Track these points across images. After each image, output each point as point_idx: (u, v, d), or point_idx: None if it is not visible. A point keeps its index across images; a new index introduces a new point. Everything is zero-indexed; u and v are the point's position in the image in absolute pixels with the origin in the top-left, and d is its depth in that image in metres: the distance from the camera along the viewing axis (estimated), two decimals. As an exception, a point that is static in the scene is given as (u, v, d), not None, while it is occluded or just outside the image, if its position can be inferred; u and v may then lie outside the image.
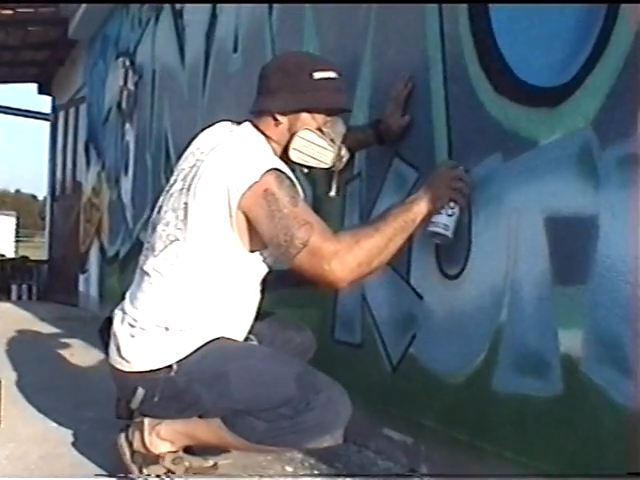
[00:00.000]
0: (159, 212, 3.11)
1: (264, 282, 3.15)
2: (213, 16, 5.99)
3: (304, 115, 3.06)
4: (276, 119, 3.06)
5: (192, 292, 2.95)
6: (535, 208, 2.66)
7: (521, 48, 2.79)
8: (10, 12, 10.45)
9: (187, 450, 3.16)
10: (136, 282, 3.13)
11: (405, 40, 3.49)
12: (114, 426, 3.16)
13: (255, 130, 3.09)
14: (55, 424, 3.97)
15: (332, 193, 3.39)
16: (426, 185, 2.96)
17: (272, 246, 2.89)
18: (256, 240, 2.93)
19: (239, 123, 3.15)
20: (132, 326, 2.99)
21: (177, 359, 2.90)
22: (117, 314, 3.09)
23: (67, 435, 3.78)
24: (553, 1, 2.63)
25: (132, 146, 8.56)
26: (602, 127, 2.40)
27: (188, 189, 2.97)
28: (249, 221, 2.87)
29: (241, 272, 3.00)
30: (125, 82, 8.79)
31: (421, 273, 3.32)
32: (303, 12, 4.40)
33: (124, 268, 8.37)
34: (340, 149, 3.17)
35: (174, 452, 3.06)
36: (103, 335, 3.15)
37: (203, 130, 3.25)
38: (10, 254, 23.02)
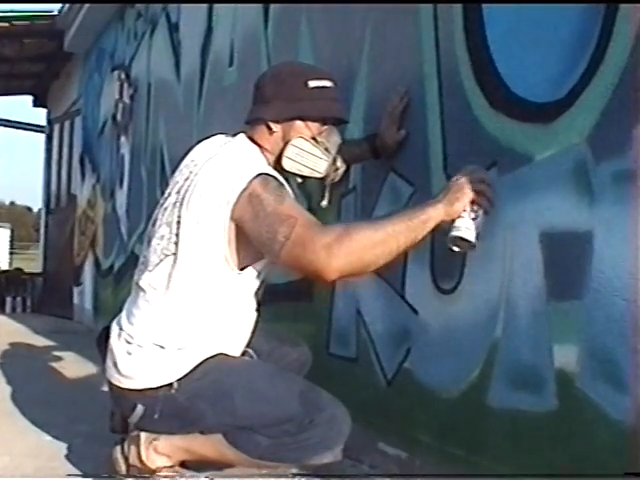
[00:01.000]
0: (154, 225, 3.11)
1: (262, 295, 3.15)
2: (209, 29, 6.00)
3: (298, 123, 3.05)
4: (270, 128, 3.04)
5: (187, 309, 2.94)
6: (530, 223, 2.66)
7: (516, 63, 2.79)
8: (6, 25, 10.46)
9: (183, 465, 3.17)
10: (132, 297, 3.12)
11: (401, 55, 3.50)
12: (108, 440, 3.16)
13: (248, 141, 3.07)
14: (49, 437, 3.96)
15: (324, 202, 3.37)
16: (445, 189, 2.79)
17: (260, 248, 2.86)
18: (249, 252, 2.92)
19: (234, 135, 3.14)
20: (129, 343, 2.99)
21: (177, 377, 2.90)
22: (114, 329, 3.09)
23: (61, 449, 3.76)
24: (552, 1, 2.64)
25: (127, 159, 8.57)
26: (597, 143, 2.41)
27: (182, 203, 2.97)
28: (240, 231, 2.86)
29: (236, 286, 2.99)
30: (120, 95, 8.79)
31: (416, 287, 3.32)
32: (299, 26, 4.41)
33: (118, 281, 8.37)
34: (335, 159, 3.16)
35: (170, 467, 3.06)
36: (101, 346, 3.15)
37: (199, 142, 3.24)
38: (4, 266, 23.04)
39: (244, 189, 2.80)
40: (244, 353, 3.17)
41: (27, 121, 16.18)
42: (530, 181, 2.68)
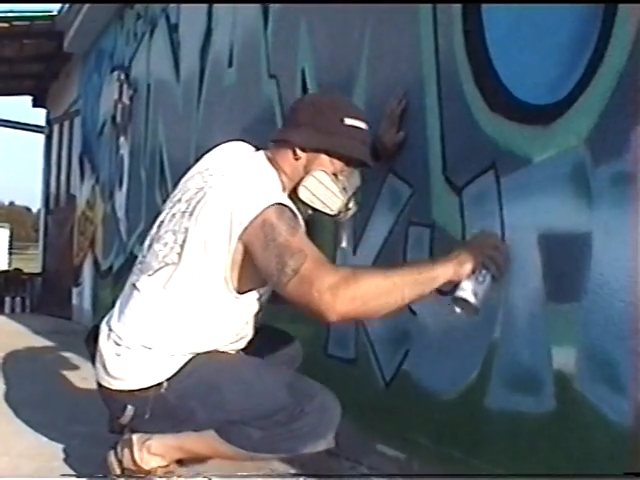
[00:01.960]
0: (159, 228, 3.09)
1: (261, 320, 3.16)
2: (208, 31, 6.00)
3: (323, 157, 3.03)
4: (295, 153, 3.02)
5: (181, 320, 2.95)
6: (528, 225, 2.67)
7: (515, 66, 2.80)
8: (5, 25, 10.46)
9: (179, 462, 3.18)
10: (125, 296, 3.12)
11: (400, 57, 3.50)
12: (107, 441, 3.16)
13: (268, 162, 3.05)
14: (47, 438, 3.95)
15: (344, 244, 3.42)
16: (458, 249, 2.77)
17: (266, 276, 2.84)
18: (251, 277, 2.91)
19: (256, 148, 3.13)
20: (117, 344, 3.00)
21: (166, 376, 2.91)
22: (103, 329, 3.10)
23: (59, 449, 3.76)
24: (551, 2, 2.64)
25: (126, 160, 8.56)
26: (595, 145, 2.41)
27: (191, 214, 2.95)
28: (247, 255, 2.84)
29: (232, 309, 2.99)
30: (120, 96, 8.79)
31: (415, 289, 3.32)
32: (298, 28, 4.41)
33: (117, 281, 8.35)
34: (350, 200, 3.13)
35: (165, 466, 3.06)
36: (89, 345, 3.15)
37: (216, 147, 3.24)
38: (3, 266, 23.00)
39: (258, 214, 2.78)
40: None
41: (26, 121, 16.19)
42: (529, 183, 2.69)
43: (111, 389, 3.00)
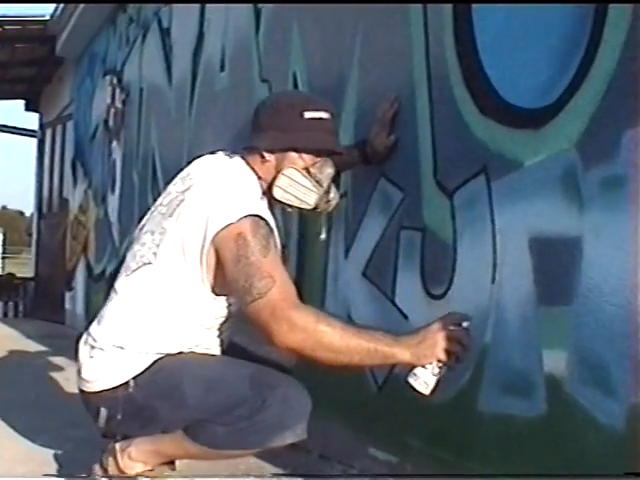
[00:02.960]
0: (140, 230, 3.13)
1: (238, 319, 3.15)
2: (200, 35, 6.00)
3: (291, 154, 3.02)
4: (263, 156, 3.03)
5: (153, 318, 2.96)
6: (519, 229, 2.67)
7: (506, 70, 2.81)
8: (-4, 30, 10.46)
9: (171, 463, 3.19)
10: (107, 301, 3.15)
11: (391, 61, 3.51)
12: (100, 445, 3.16)
13: (247, 167, 3.06)
14: (40, 443, 3.95)
15: (322, 236, 3.40)
16: (423, 335, 2.68)
17: (232, 288, 2.86)
18: (222, 281, 2.92)
19: (235, 154, 3.14)
20: (92, 347, 3.03)
21: (133, 375, 2.92)
22: (84, 334, 3.14)
23: (52, 454, 3.76)
24: (547, 1, 2.65)
25: (119, 164, 8.55)
26: (586, 149, 2.42)
27: (170, 215, 2.97)
28: (218, 259, 2.86)
29: (209, 309, 3.00)
30: (112, 100, 8.78)
31: (406, 293, 3.33)
32: (290, 32, 4.42)
33: (110, 286, 8.35)
34: (328, 191, 3.12)
35: (150, 470, 3.06)
36: (77, 350, 3.17)
37: (199, 157, 3.24)
38: (-4, 271, 22.97)
39: (233, 222, 2.80)
40: None
41: (19, 125, 16.16)
42: (520, 187, 2.70)
43: (87, 392, 3.03)
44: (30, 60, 12.17)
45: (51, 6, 10.44)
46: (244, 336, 3.19)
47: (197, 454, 3.00)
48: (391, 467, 3.34)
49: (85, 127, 10.37)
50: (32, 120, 15.13)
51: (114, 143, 8.79)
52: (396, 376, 3.35)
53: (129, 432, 3.06)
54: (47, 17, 10.48)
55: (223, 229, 2.80)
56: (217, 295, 2.97)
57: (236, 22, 5.30)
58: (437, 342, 2.66)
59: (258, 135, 3.06)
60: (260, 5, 4.88)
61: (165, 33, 7.01)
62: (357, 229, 3.67)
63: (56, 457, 3.73)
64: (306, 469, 3.56)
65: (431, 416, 3.13)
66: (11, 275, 15.72)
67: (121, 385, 2.93)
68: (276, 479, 3.20)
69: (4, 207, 78.54)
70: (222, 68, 5.50)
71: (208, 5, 5.89)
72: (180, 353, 2.98)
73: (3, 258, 28.09)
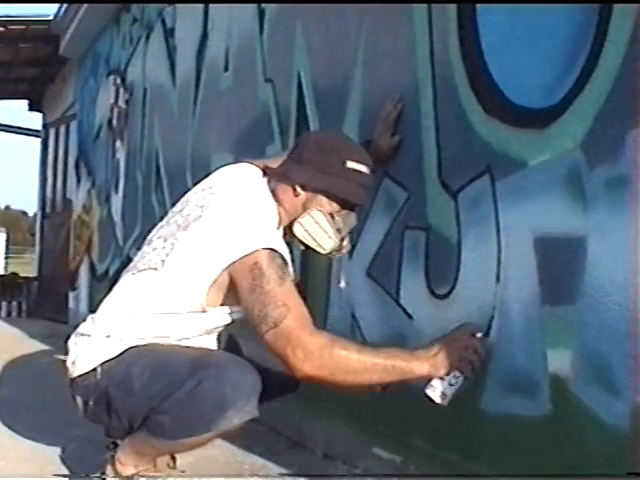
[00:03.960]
0: (153, 233, 3.17)
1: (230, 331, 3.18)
2: (204, 35, 6.00)
3: (322, 197, 3.06)
4: (295, 190, 3.05)
5: (150, 319, 2.99)
6: (524, 229, 2.67)
7: (511, 70, 2.81)
8: (1, 29, 10.46)
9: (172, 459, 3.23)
10: (108, 293, 3.19)
11: (395, 61, 3.50)
12: (104, 444, 3.16)
13: (270, 195, 3.08)
14: (45, 442, 3.95)
15: (342, 284, 3.59)
16: (439, 346, 2.79)
17: (247, 317, 2.89)
18: (227, 299, 2.97)
19: (262, 175, 3.16)
20: (81, 334, 3.06)
21: (102, 361, 2.94)
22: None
23: (56, 453, 3.77)
24: (549, 2, 2.65)
25: (122, 164, 8.55)
26: (590, 149, 2.42)
27: (185, 228, 3.00)
28: (231, 285, 2.90)
29: (205, 321, 3.03)
30: (116, 100, 8.78)
31: (411, 292, 3.33)
32: (294, 32, 4.41)
33: (114, 285, 8.34)
34: (343, 240, 3.14)
35: (145, 470, 3.06)
36: None
37: (222, 166, 3.29)
38: (0, 271, 22.98)
39: (249, 254, 2.83)
40: None
41: (22, 125, 16.18)
42: (524, 187, 2.69)
43: (69, 380, 3.05)
44: (33, 60, 12.19)
45: (55, 6, 10.47)
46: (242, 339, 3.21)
47: (164, 449, 3.03)
48: (395, 467, 3.34)
49: (88, 127, 10.37)
50: (35, 120, 15.19)
51: (118, 143, 8.79)
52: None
53: (101, 421, 3.08)
54: (51, 17, 10.49)
55: (240, 259, 2.84)
56: (220, 305, 2.99)
57: (240, 22, 5.29)
58: (454, 352, 2.76)
59: (295, 167, 3.08)
60: (264, 5, 4.88)
61: (169, 33, 7.00)
62: (361, 229, 3.66)
63: (60, 456, 3.73)
64: (310, 468, 3.57)
65: (435, 416, 3.13)
66: (14, 275, 15.74)
67: (91, 371, 2.96)
68: (283, 477, 3.20)
69: (7, 207, 78.61)
70: (226, 68, 5.50)
71: (212, 5, 5.89)
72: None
73: (6, 258, 28.13)
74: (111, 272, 8.67)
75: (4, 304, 13.56)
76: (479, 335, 2.80)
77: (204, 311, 2.97)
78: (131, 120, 8.30)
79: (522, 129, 2.74)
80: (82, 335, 3.06)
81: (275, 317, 2.76)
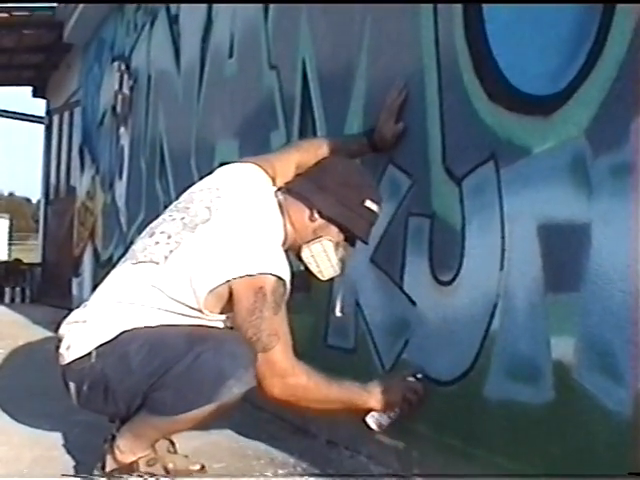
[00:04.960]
0: (157, 225, 3.18)
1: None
2: (209, 21, 5.99)
3: (334, 227, 3.15)
4: (312, 214, 3.14)
5: (140, 310, 3.00)
6: (528, 216, 2.67)
7: (516, 56, 2.80)
8: (5, 15, 10.46)
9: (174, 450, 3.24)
10: (105, 280, 3.20)
11: (400, 48, 3.50)
12: (106, 429, 3.16)
13: (277, 208, 3.14)
14: (48, 427, 3.97)
15: (338, 313, 3.71)
16: (385, 386, 3.15)
17: (238, 329, 2.98)
18: (226, 310, 3.02)
19: (269, 176, 3.24)
20: (75, 322, 3.08)
21: (96, 345, 2.95)
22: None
23: (59, 438, 3.79)
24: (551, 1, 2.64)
25: (126, 150, 8.56)
26: (595, 136, 2.41)
27: (192, 229, 3.04)
28: (230, 297, 2.96)
29: (200, 323, 3.04)
30: (120, 86, 8.77)
31: (414, 279, 3.33)
32: (299, 18, 4.41)
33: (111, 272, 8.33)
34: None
35: (145, 456, 3.06)
36: None
37: (229, 163, 3.34)
38: (3, 257, 23.03)
39: (256, 275, 2.91)
40: None
41: (26, 112, 16.19)
42: (528, 174, 2.69)
43: (62, 366, 3.06)
44: (38, 46, 12.20)
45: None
46: None
47: (165, 427, 3.03)
48: (397, 453, 3.34)
49: (93, 113, 10.38)
50: (39, 106, 15.17)
51: (122, 129, 8.79)
52: (403, 362, 3.36)
53: (95, 407, 3.10)
54: (55, 3, 10.48)
55: (245, 277, 2.91)
56: (211, 313, 3.03)
57: (244, 8, 5.29)
58: (398, 392, 3.15)
59: (316, 192, 3.16)
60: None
61: (173, 19, 7.00)
62: (365, 216, 3.66)
63: (63, 442, 3.74)
64: (313, 454, 3.57)
65: (438, 402, 3.14)
66: (18, 261, 15.77)
67: (86, 355, 2.96)
68: (290, 479, 3.21)
69: (11, 194, 78.62)
70: (230, 54, 5.49)
71: (217, -8, 5.88)
72: None
73: (10, 244, 28.20)
74: (115, 258, 8.66)
75: (8, 290, 13.60)
76: (419, 376, 3.17)
77: (200, 311, 3.00)
78: (135, 107, 8.31)
79: (526, 116, 2.74)
80: (76, 322, 3.07)
81: (266, 344, 2.92)
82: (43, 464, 3.42)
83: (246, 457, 3.58)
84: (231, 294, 2.94)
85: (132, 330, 2.95)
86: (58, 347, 3.08)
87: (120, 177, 8.77)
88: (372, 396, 3.12)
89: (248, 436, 3.92)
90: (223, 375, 2.85)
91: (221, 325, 3.07)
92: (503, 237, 2.79)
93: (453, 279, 3.07)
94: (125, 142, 8.65)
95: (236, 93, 5.33)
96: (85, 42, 10.87)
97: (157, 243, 3.06)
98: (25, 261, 15.53)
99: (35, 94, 14.84)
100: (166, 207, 3.31)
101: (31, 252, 20.78)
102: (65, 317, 3.17)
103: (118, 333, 2.95)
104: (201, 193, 3.17)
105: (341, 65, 3.93)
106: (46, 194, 14.11)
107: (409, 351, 3.34)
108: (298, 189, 3.18)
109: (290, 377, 2.96)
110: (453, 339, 3.06)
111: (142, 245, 3.12)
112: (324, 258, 3.15)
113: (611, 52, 2.36)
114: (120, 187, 8.76)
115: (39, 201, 16.55)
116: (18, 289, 13.72)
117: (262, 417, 3.91)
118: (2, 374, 5.56)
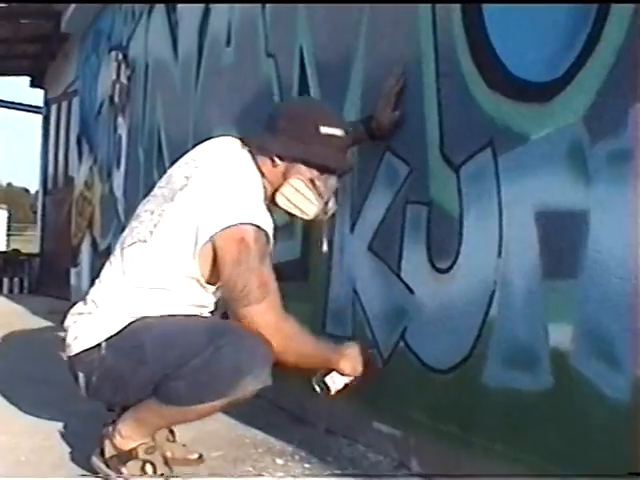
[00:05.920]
0: (144, 204, 3.19)
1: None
2: (206, 10, 5.98)
3: (301, 165, 3.11)
4: (273, 161, 3.11)
5: (142, 293, 3.00)
6: (526, 203, 2.67)
7: (513, 43, 2.80)
8: (2, 5, 10.44)
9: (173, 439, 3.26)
10: (102, 270, 3.21)
11: (398, 35, 3.49)
12: (105, 418, 3.16)
13: (254, 166, 3.13)
14: (47, 416, 3.97)
15: (324, 248, 3.58)
16: (352, 352, 3.19)
17: (226, 288, 2.98)
18: (213, 273, 3.00)
19: (243, 146, 3.18)
20: (80, 313, 3.08)
21: (106, 337, 2.95)
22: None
23: (58, 427, 3.78)
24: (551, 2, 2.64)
25: (124, 140, 8.55)
26: (593, 123, 2.42)
27: (172, 199, 3.04)
28: (214, 254, 2.94)
29: (193, 293, 3.06)
30: (118, 76, 8.76)
31: (412, 267, 3.33)
32: (296, 6, 4.40)
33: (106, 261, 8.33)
34: (327, 203, 3.22)
35: (144, 443, 3.05)
36: None
37: (206, 140, 3.31)
38: (1, 247, 23.03)
39: (235, 225, 2.89)
40: None
41: (24, 102, 16.15)
42: (526, 161, 2.69)
43: (69, 357, 3.06)
44: (35, 36, 12.17)
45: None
46: None
47: (172, 418, 3.03)
48: (395, 441, 3.35)
49: (90, 103, 10.37)
50: (37, 96, 15.14)
51: (119, 119, 8.78)
52: (401, 350, 3.36)
53: (104, 397, 3.12)
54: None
55: (225, 229, 2.89)
56: (207, 284, 3.04)
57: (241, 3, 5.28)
58: (361, 360, 3.19)
59: (271, 138, 3.13)
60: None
61: (171, 8, 6.98)
62: (363, 203, 3.67)
63: (62, 431, 3.74)
64: (311, 443, 3.58)
65: (435, 390, 3.15)
66: (16, 251, 15.76)
67: (95, 347, 2.96)
68: (291, 479, 3.21)
69: (9, 184, 78.53)
70: (228, 43, 5.49)
71: (214, -20, 5.87)
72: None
73: (8, 235, 28.18)
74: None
75: (6, 281, 13.59)
76: (370, 351, 3.35)
77: (197, 280, 3.01)
78: (133, 96, 8.30)
79: (524, 103, 2.74)
80: (81, 314, 3.07)
81: (257, 296, 2.88)
82: (42, 453, 3.43)
83: (244, 446, 3.58)
84: (215, 252, 2.93)
85: (142, 319, 2.95)
86: (64, 339, 3.08)
87: (118, 167, 8.77)
88: (342, 358, 3.14)
89: (246, 425, 3.92)
90: (241, 371, 2.84)
91: (213, 298, 3.12)
92: (501, 224, 2.80)
93: (451, 266, 3.07)
94: (123, 132, 8.64)
95: (234, 82, 5.33)
96: (83, 32, 10.84)
97: (142, 222, 3.08)
98: (23, 251, 15.51)
99: (33, 84, 14.80)
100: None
101: (29, 243, 20.77)
102: (69, 309, 3.17)
103: (127, 323, 2.95)
104: (179, 169, 3.18)
105: (338, 53, 3.93)
106: (44, 184, 14.08)
107: (407, 339, 3.34)
108: (257, 142, 3.17)
109: (283, 328, 2.95)
110: (451, 326, 3.06)
111: (129, 229, 3.14)
112: (299, 197, 3.12)
113: (609, 38, 2.36)
114: (118, 177, 8.75)
115: (37, 191, 16.51)
116: (16, 279, 13.70)
117: (260, 405, 3.91)
118: (1, 363, 5.55)
